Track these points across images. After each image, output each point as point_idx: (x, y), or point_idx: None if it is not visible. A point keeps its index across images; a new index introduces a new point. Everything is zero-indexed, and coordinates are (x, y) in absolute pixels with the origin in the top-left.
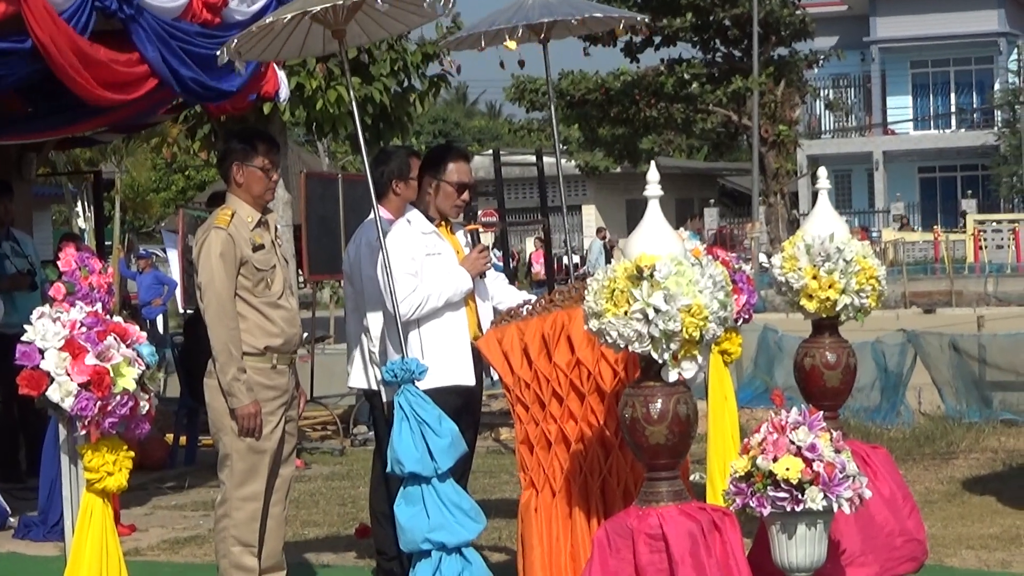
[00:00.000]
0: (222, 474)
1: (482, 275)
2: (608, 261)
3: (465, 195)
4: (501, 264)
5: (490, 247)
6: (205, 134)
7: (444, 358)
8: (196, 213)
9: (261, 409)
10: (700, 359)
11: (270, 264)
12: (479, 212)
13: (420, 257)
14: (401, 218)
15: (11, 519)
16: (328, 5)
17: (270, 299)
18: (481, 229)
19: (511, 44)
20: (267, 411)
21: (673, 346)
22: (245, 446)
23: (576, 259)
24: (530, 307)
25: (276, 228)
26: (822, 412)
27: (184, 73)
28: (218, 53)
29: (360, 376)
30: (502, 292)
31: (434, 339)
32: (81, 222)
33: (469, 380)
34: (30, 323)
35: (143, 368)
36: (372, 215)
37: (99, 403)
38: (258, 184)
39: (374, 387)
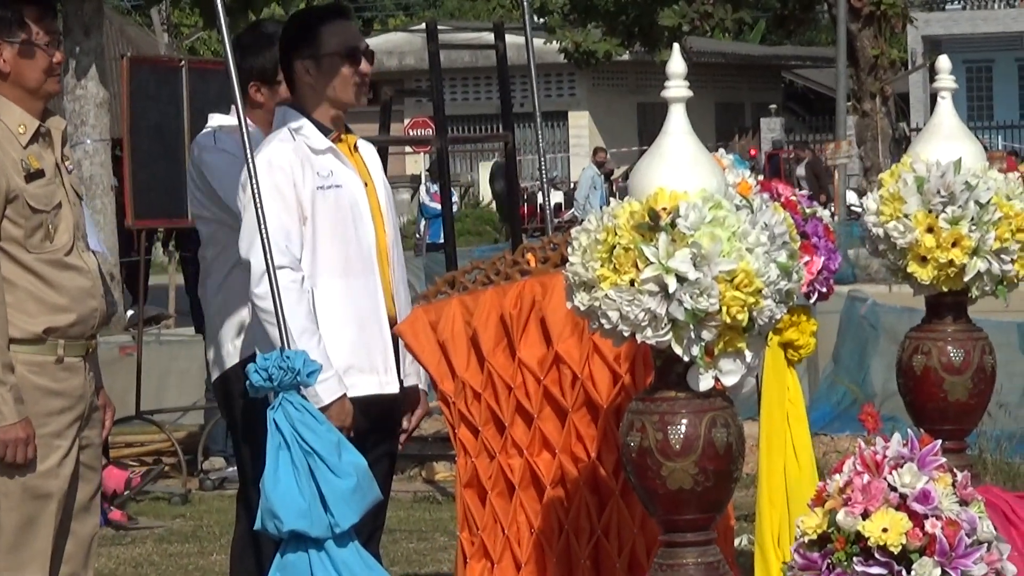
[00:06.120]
0: None
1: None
2: (607, 200)
3: (363, 65)
4: (437, 206)
5: (423, 177)
6: None
7: (346, 350)
8: None
9: (35, 432)
10: (749, 356)
11: (53, 201)
12: (406, 123)
13: (308, 192)
14: (281, 128)
15: None
16: None
17: (53, 255)
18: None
19: None
20: (51, 431)
21: (706, 335)
22: (18, 488)
23: (558, 197)
24: (480, 272)
25: (65, 142)
26: (941, 440)
27: None
28: None
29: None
30: None
31: (330, 320)
32: None
33: (388, 387)
34: None
35: None
36: (230, 121)
37: None
38: (33, 70)
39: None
